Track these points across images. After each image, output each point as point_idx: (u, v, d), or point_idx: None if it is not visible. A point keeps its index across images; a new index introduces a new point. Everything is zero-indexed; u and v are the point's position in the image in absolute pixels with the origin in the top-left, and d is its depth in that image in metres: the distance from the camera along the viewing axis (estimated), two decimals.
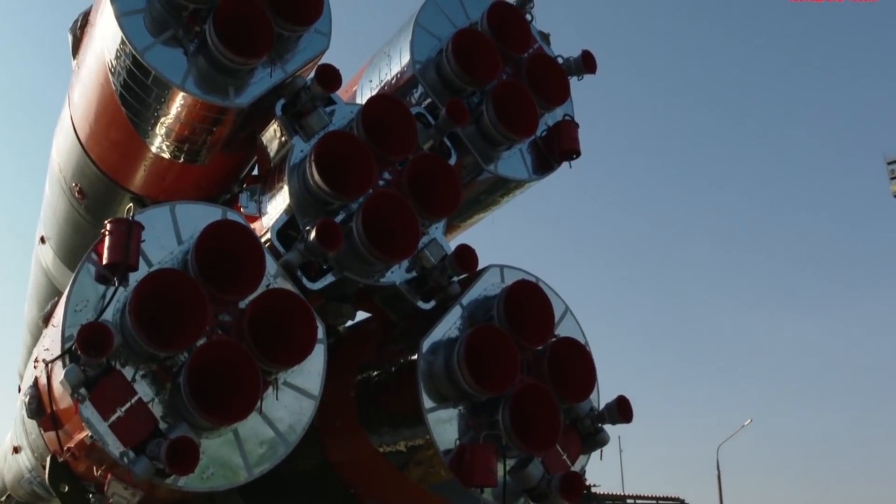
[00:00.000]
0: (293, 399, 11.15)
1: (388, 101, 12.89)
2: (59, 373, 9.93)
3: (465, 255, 12.60)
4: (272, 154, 12.74)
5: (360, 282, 12.31)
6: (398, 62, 14.27)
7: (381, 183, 12.44)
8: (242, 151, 13.59)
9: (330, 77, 12.12)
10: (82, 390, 9.77)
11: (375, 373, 13.32)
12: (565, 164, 14.95)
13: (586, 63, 14.89)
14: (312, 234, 11.13)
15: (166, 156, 12.91)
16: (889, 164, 74.66)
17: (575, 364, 13.09)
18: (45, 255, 17.57)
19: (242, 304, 10.79)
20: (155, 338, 9.89)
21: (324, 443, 13.92)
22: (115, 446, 9.87)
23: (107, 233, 10.20)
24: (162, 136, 12.54)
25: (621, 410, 13.01)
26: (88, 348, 9.39)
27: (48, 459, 11.44)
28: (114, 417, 9.93)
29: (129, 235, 10.13)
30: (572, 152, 14.77)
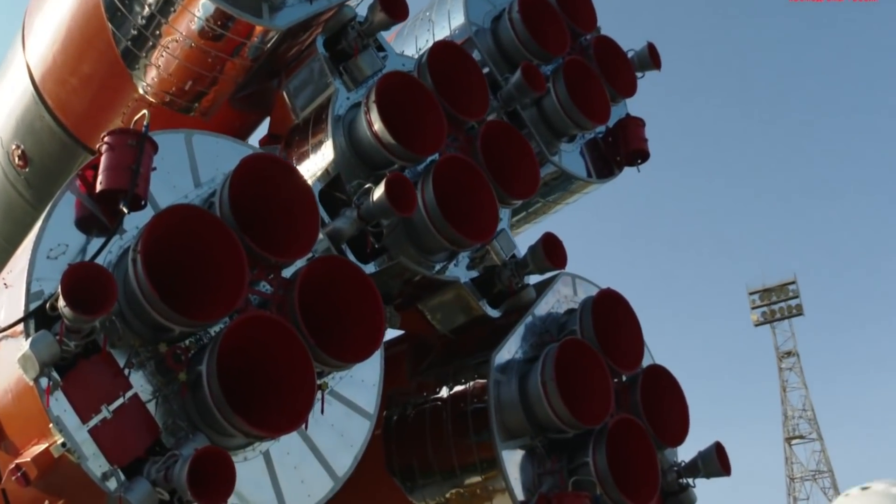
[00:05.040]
0: (342, 417, 7.94)
1: (457, 50, 10.20)
2: (16, 346, 6.47)
3: (556, 247, 9.82)
4: (300, 107, 9.75)
5: (418, 272, 9.31)
6: (445, 27, 11.69)
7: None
8: (251, 110, 10.58)
9: (396, 2, 9.38)
10: (53, 373, 6.35)
11: (411, 404, 10.14)
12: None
13: (652, 57, 12.68)
14: (378, 193, 8.12)
15: (154, 100, 9.74)
16: (750, 294, 77.35)
17: (668, 400, 10.33)
18: None
19: (285, 274, 7.60)
20: (172, 303, 6.59)
21: None
22: (96, 463, 6.43)
23: (104, 148, 6.98)
24: (158, 69, 9.41)
25: (721, 460, 10.25)
26: (78, 298, 6.03)
27: None
28: (97, 419, 6.53)
29: (139, 153, 6.92)
30: (639, 154, 12.37)
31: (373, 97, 8.86)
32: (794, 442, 75.17)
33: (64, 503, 6.97)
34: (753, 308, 76.91)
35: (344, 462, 7.75)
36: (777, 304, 76.17)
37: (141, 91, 9.66)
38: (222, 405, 6.54)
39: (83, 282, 6.06)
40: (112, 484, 6.40)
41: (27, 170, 11.10)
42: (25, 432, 6.76)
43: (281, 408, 6.92)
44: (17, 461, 6.62)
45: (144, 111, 7.06)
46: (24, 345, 6.26)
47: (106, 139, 6.97)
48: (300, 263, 7.73)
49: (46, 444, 6.43)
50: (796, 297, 75.47)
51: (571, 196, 12.40)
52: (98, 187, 6.88)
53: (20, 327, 6.62)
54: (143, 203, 7.02)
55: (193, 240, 6.98)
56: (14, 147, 11.04)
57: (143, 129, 6.99)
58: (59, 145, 10.62)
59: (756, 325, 76.83)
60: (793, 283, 75.75)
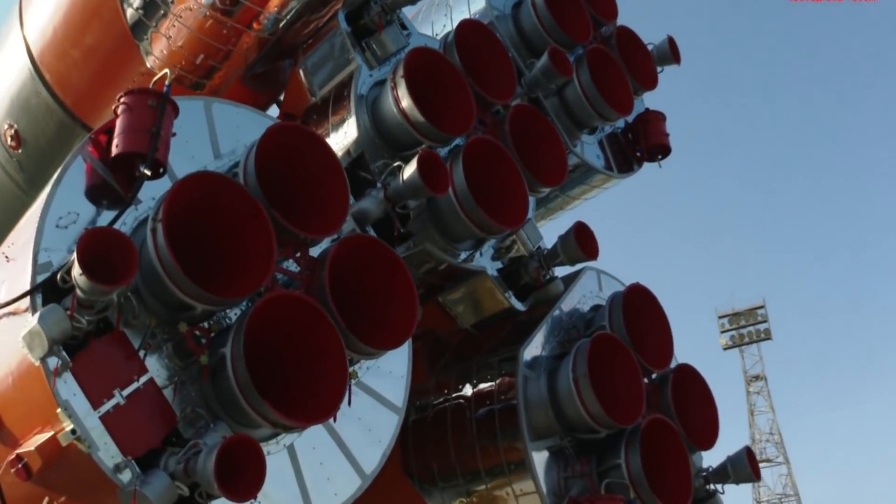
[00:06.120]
0: (370, 410, 7.35)
1: (483, 29, 9.71)
2: (19, 324, 5.84)
3: (588, 237, 9.32)
4: (318, 85, 9.21)
5: (444, 260, 8.78)
6: (464, 11, 11.20)
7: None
8: (262, 90, 10.01)
9: None
10: (62, 353, 5.72)
11: (430, 403, 9.56)
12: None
13: (672, 51, 12.29)
14: (408, 172, 7.56)
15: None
16: (720, 317, 77.92)
17: (697, 401, 9.83)
18: None
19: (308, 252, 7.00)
20: (195, 278, 5.97)
21: None
22: (108, 453, 5.78)
23: (121, 109, 6.38)
24: (168, 40, 8.83)
25: (752, 465, 9.75)
26: (96, 266, 5.41)
27: None
28: (109, 405, 5.90)
29: (160, 115, 6.33)
30: (660, 149, 11.94)
31: (401, 72, 8.33)
32: (761, 465, 75.10)
33: (66, 500, 6.31)
34: (722, 332, 76.88)
35: (372, 459, 7.17)
36: (746, 328, 76.20)
37: (148, 65, 9.07)
38: (250, 391, 5.93)
39: (102, 248, 5.46)
40: (125, 476, 5.77)
41: (20, 151, 10.43)
42: (27, 420, 6.12)
43: (310, 396, 6.32)
44: (18, 451, 5.96)
45: (167, 70, 6.46)
46: (30, 320, 5.64)
47: (123, 99, 6.38)
48: (324, 245, 7.19)
49: (54, 432, 5.78)
50: (765, 321, 75.58)
51: (591, 191, 11.94)
52: (113, 151, 6.27)
53: (23, 303, 5.99)
54: (161, 170, 6.40)
55: (217, 211, 6.39)
56: (6, 126, 10.38)
57: (165, 89, 6.39)
58: (56, 124, 9.98)
59: (725, 349, 76.76)
60: (761, 307, 75.93)
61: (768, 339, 75.64)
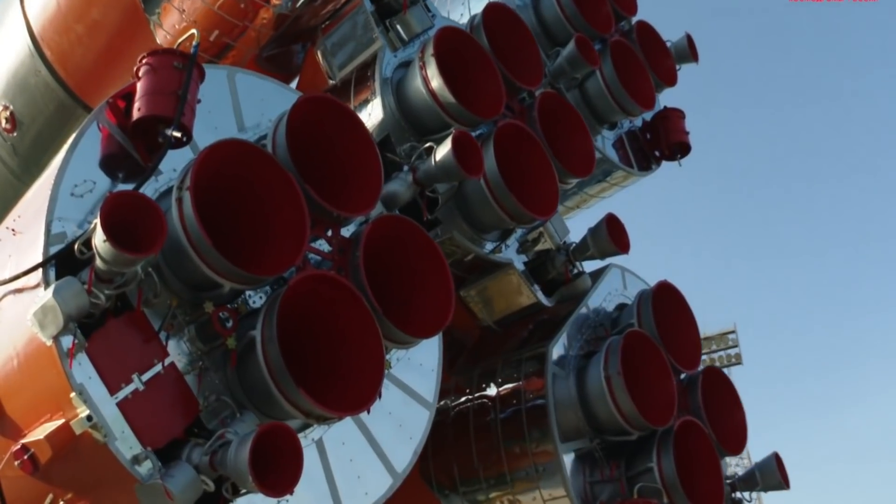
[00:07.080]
0: (400, 404, 6.85)
1: (511, 13, 9.30)
2: (27, 301, 5.29)
3: (620, 230, 8.91)
4: (338, 66, 8.75)
5: (471, 251, 8.32)
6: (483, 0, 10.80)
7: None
8: (276, 71, 9.52)
9: None
10: (78, 331, 5.18)
11: (450, 404, 9.06)
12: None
13: (690, 49, 11.97)
14: (442, 153, 7.07)
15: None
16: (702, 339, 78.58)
17: (725, 405, 9.42)
18: None
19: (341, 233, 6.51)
20: (223, 253, 5.45)
21: None
22: (126, 444, 5.23)
23: (144, 70, 5.87)
24: (181, 14, 8.38)
25: (781, 472, 9.33)
26: (121, 233, 4.88)
27: None
28: (127, 390, 5.35)
29: (187, 76, 5.83)
30: (680, 146, 11.59)
31: (430, 51, 7.90)
32: None
33: (72, 498, 5.73)
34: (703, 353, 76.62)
35: (403, 457, 6.67)
36: (717, 352, 76.26)
37: (158, 41, 8.57)
38: (283, 377, 5.41)
39: (127, 214, 4.93)
40: (144, 469, 5.21)
41: (14, 134, 9.85)
42: (33, 407, 5.54)
43: (345, 385, 5.81)
44: (23, 441, 5.38)
45: (193, 30, 5.96)
46: (42, 295, 5.09)
47: (146, 60, 5.87)
48: (352, 228, 6.70)
49: (63, 421, 5.21)
50: (736, 346, 75.78)
51: (610, 188, 11.54)
52: (135, 115, 5.75)
53: (33, 278, 5.44)
54: (185, 138, 5.88)
55: (247, 183, 5.88)
56: (1, 108, 9.79)
57: (192, 49, 5.89)
58: (55, 105, 9.42)
59: None
60: (732, 332, 76.17)
61: (739, 363, 75.69)
